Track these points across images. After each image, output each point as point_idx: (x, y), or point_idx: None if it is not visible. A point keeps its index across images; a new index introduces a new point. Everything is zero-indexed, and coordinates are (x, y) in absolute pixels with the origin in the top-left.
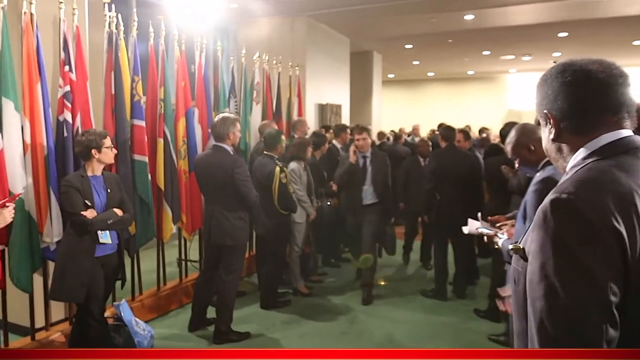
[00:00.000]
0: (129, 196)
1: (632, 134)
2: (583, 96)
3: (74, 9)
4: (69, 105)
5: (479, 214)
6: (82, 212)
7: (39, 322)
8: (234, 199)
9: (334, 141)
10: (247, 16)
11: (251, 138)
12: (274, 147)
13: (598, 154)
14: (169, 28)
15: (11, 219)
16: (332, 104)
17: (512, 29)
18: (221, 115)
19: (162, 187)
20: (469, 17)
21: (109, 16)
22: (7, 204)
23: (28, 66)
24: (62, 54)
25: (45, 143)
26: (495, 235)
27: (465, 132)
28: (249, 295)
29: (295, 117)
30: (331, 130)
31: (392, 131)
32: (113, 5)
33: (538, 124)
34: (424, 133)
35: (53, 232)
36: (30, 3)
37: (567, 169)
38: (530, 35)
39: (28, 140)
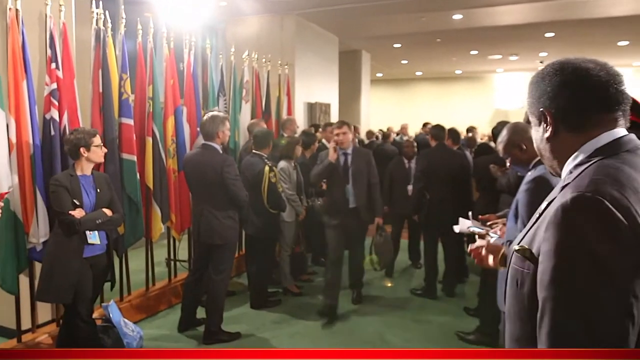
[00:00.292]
0: (118, 196)
1: (627, 132)
2: (583, 94)
3: (60, 5)
4: (56, 103)
5: (470, 213)
6: (70, 212)
7: (25, 324)
8: (224, 198)
9: (323, 140)
10: (236, 14)
11: (240, 137)
12: (264, 146)
13: (601, 153)
14: (157, 25)
15: None
16: (321, 103)
17: (500, 29)
18: (210, 113)
19: (151, 187)
20: (457, 16)
21: (97, 13)
22: None
23: (13, 63)
24: (49, 51)
25: (31, 142)
26: (487, 234)
27: (455, 134)
28: (238, 295)
29: (284, 115)
30: (320, 129)
31: (381, 130)
32: (100, 2)
33: (527, 122)
34: (412, 132)
35: (39, 232)
36: None
37: (570, 168)
38: (517, 35)
39: (13, 139)
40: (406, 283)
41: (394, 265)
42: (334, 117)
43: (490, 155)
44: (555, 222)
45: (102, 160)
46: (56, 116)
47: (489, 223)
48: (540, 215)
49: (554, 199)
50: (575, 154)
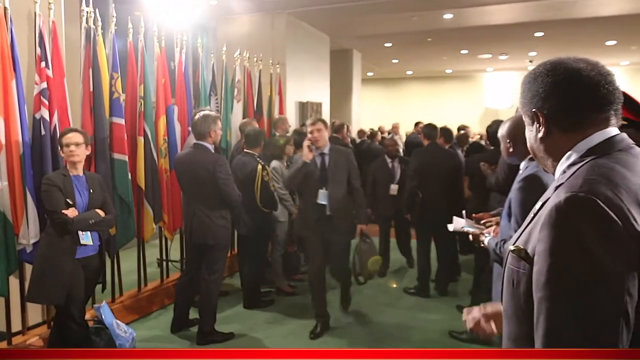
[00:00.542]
0: (110, 196)
1: (619, 132)
2: (575, 94)
3: (49, 3)
4: (46, 102)
5: (464, 212)
6: (63, 211)
7: (16, 326)
8: (216, 197)
9: None
10: (227, 13)
11: (232, 136)
12: (255, 145)
13: (594, 152)
14: (148, 24)
15: None
16: (313, 102)
17: (490, 28)
18: (202, 113)
19: (143, 187)
20: (447, 16)
21: (87, 11)
22: None
23: (2, 62)
24: (38, 50)
25: (20, 141)
26: (481, 234)
27: (447, 132)
28: (231, 295)
29: (276, 115)
30: None
31: (371, 129)
32: (90, 0)
33: None
34: (403, 131)
35: (29, 233)
36: None
37: (564, 168)
38: (507, 34)
39: (2, 138)
40: (399, 282)
41: (388, 266)
42: (326, 116)
43: (483, 153)
44: (549, 223)
45: (73, 159)
46: (46, 116)
47: (482, 222)
48: (535, 215)
49: (549, 198)
50: (568, 153)
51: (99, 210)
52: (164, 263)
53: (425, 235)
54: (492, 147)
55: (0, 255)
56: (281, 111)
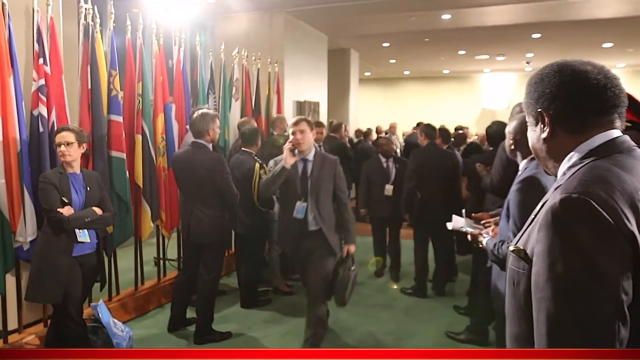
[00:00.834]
0: (108, 194)
1: (622, 134)
2: (582, 96)
3: None
4: (44, 99)
5: (463, 211)
6: (58, 210)
7: (12, 324)
8: (214, 196)
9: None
10: (225, 11)
11: (230, 135)
12: (252, 143)
13: (594, 154)
14: (146, 22)
15: None
16: (310, 101)
17: (488, 29)
18: (200, 111)
19: (141, 185)
20: (446, 16)
21: (85, 8)
22: None
23: None
24: (36, 46)
25: (18, 138)
26: (480, 234)
27: (445, 133)
28: (228, 295)
29: (274, 114)
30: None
31: (368, 129)
32: None
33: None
34: (400, 131)
35: (27, 231)
36: None
37: (564, 169)
38: (504, 35)
39: (0, 135)
40: (396, 282)
41: (385, 265)
42: (323, 116)
43: (481, 154)
44: (545, 224)
45: (65, 159)
46: (44, 112)
47: (482, 222)
48: (535, 216)
49: (547, 200)
50: (570, 155)
51: (95, 208)
52: (161, 262)
53: (423, 235)
54: (491, 148)
55: None
56: (279, 110)
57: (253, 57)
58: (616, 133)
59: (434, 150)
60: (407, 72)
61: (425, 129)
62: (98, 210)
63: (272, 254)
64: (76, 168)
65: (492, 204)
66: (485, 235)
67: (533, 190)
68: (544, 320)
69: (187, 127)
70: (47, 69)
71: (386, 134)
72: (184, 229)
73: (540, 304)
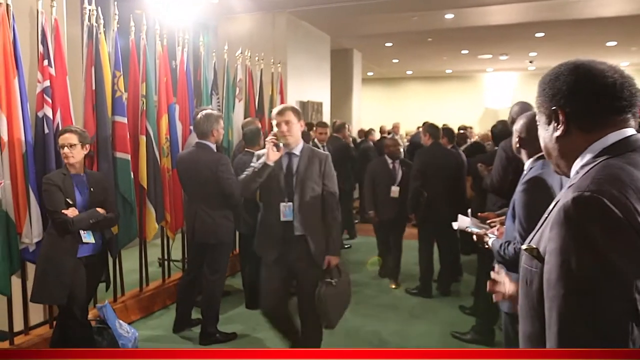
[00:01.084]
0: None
1: (635, 132)
2: (598, 95)
3: (52, 0)
4: (49, 100)
5: (469, 211)
6: (62, 211)
7: (18, 326)
8: (219, 197)
9: (315, 139)
10: (228, 12)
11: (234, 136)
12: (254, 144)
13: (607, 152)
14: (150, 23)
15: None
16: (313, 102)
17: (490, 29)
18: (204, 112)
19: (145, 186)
20: (448, 16)
21: (89, 9)
22: None
23: (4, 60)
24: (41, 48)
25: (23, 139)
26: (485, 234)
27: (449, 132)
28: (233, 295)
29: None
30: (314, 128)
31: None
32: None
33: (512, 121)
34: (404, 131)
35: (32, 232)
36: None
37: (577, 168)
38: (507, 35)
39: (5, 137)
40: (401, 282)
41: (386, 267)
42: (326, 116)
43: (485, 154)
44: (557, 222)
45: (68, 160)
46: (49, 114)
47: (488, 221)
48: (548, 215)
49: (560, 199)
50: (583, 153)
51: (100, 209)
52: (166, 263)
53: (428, 235)
54: (495, 148)
55: (3, 254)
56: None
57: (256, 58)
58: (630, 131)
59: (438, 150)
60: (409, 72)
61: (429, 128)
62: (102, 211)
63: None
64: (79, 169)
65: (494, 204)
66: (491, 235)
67: (539, 190)
68: (555, 318)
69: (191, 127)
70: (52, 71)
71: (389, 134)
72: (188, 230)
73: (552, 302)
